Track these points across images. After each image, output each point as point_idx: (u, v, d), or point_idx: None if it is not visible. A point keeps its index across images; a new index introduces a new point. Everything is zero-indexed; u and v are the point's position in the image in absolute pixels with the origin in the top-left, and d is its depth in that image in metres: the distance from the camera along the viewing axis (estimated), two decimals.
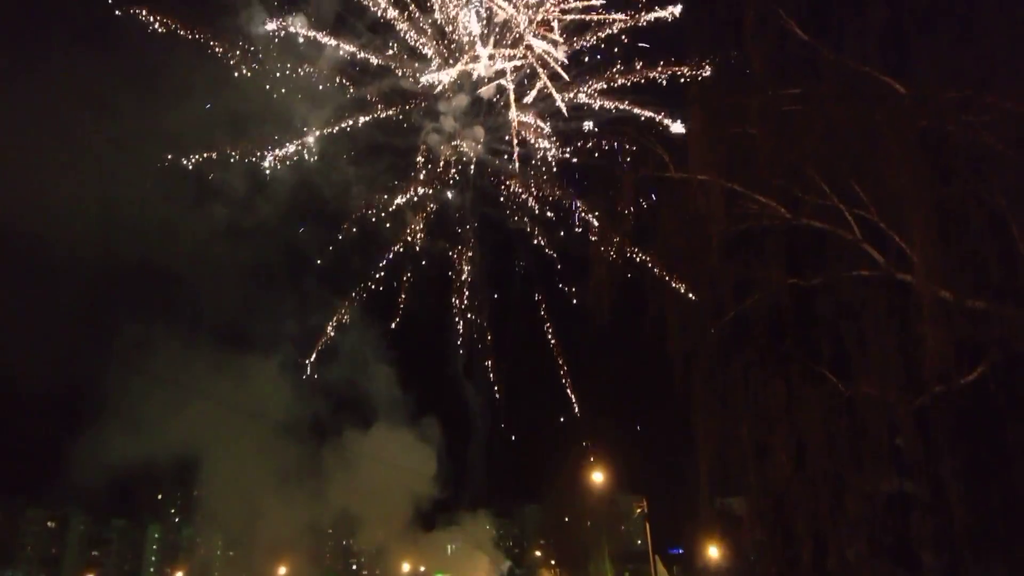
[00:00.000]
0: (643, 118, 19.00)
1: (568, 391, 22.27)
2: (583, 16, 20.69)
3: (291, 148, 22.27)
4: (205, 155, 21.42)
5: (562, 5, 20.83)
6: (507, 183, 22.72)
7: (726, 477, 15.54)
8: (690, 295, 16.20)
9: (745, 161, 15.86)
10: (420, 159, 22.90)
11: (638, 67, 20.43)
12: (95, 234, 20.42)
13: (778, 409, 14.75)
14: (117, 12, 19.93)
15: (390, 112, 22.24)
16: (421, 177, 23.07)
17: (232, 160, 21.92)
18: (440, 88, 22.21)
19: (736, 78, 15.64)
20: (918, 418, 13.32)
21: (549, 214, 22.42)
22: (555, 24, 20.96)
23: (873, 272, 14.48)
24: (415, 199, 23.21)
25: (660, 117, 18.58)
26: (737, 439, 15.17)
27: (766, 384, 15.06)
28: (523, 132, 22.82)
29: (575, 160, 21.41)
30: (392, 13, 21.59)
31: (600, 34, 20.66)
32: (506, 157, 22.99)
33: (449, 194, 23.26)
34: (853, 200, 14.73)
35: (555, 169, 22.51)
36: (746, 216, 15.80)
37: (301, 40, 21.82)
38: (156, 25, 20.62)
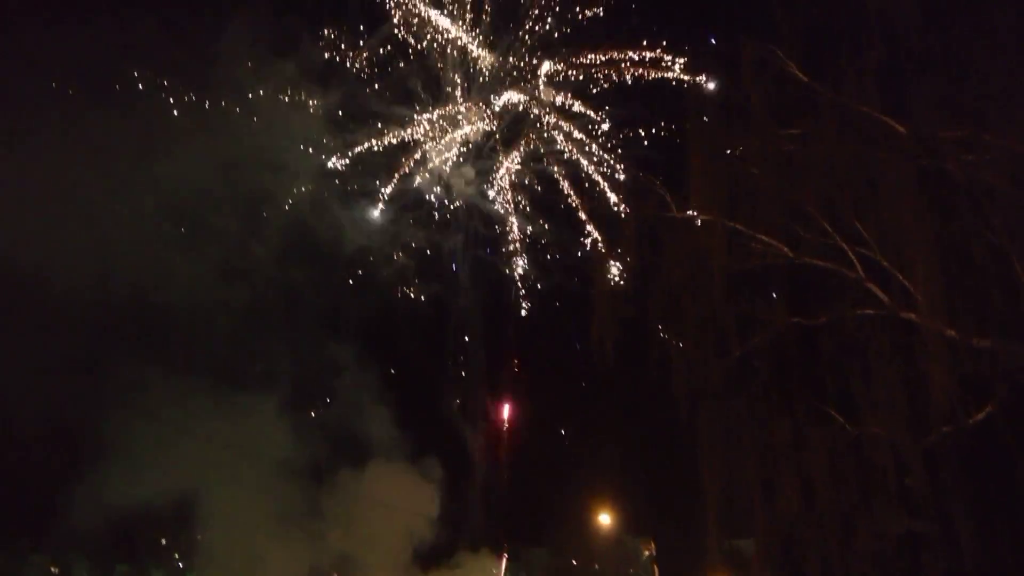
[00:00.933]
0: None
1: (571, 430, 22.21)
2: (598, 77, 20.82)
3: (284, 191, 22.49)
4: (200, 196, 21.59)
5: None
6: (499, 227, 22.85)
7: (734, 518, 15.47)
8: (694, 335, 16.21)
9: (746, 200, 16.04)
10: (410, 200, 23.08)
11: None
12: (92, 276, 20.55)
13: (785, 449, 14.73)
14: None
15: (379, 151, 22.46)
16: (411, 220, 23.22)
17: (226, 202, 22.07)
18: (426, 131, 22.46)
19: (735, 118, 15.77)
20: (927, 458, 13.29)
21: (547, 256, 22.46)
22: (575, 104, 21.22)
23: (877, 311, 14.53)
24: (409, 241, 23.32)
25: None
26: (744, 480, 15.13)
27: (772, 424, 15.05)
28: (515, 176, 23.02)
29: (573, 200, 21.49)
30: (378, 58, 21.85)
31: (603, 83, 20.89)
32: (496, 199, 23.15)
33: (441, 237, 23.38)
34: (855, 239, 14.83)
35: (551, 209, 22.59)
36: (748, 255, 15.91)
37: (290, 86, 22.11)
38: (161, 91, 21.07)
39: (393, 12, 21.71)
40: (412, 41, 21.79)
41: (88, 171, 20.86)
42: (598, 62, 20.47)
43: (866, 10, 14.68)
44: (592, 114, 21.16)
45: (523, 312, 23.28)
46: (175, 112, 21.73)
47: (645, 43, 19.70)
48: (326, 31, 21.95)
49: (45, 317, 21.31)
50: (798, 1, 15.06)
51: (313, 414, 24.86)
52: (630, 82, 20.15)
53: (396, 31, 21.75)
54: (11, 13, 19.24)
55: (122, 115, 21.22)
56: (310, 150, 22.76)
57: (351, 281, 23.73)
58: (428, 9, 21.61)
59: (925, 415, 13.41)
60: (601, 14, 20.65)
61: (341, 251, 23.84)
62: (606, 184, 20.37)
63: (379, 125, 22.66)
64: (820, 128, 15.17)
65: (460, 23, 21.72)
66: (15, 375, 20.13)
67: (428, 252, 23.47)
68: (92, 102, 20.85)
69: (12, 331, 20.27)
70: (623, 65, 20.00)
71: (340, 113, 22.56)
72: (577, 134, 21.61)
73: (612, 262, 17.63)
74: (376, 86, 22.51)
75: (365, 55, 22.07)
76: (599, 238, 18.91)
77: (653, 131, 19.42)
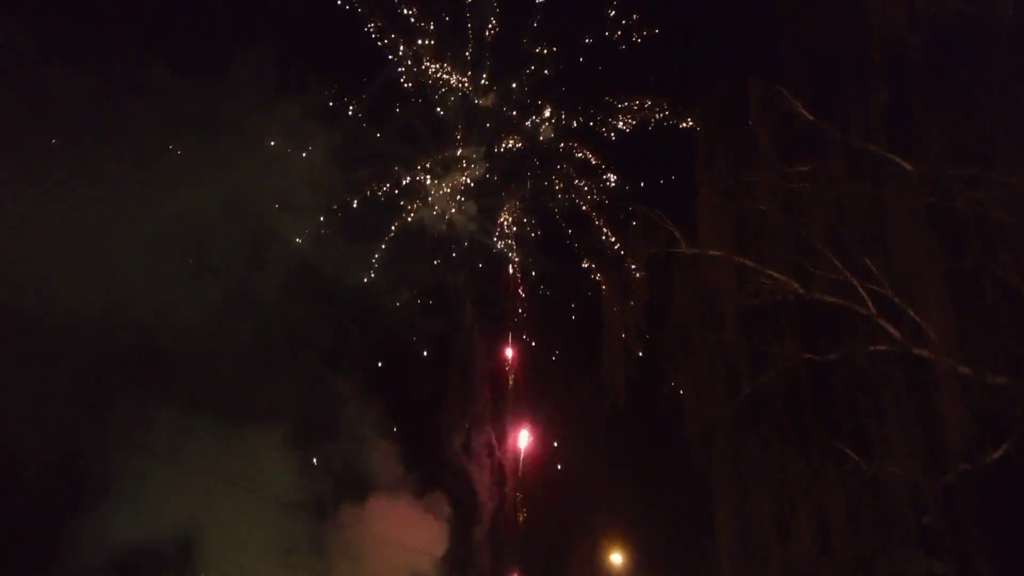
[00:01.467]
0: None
1: (581, 469, 22.17)
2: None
3: (288, 228, 22.62)
4: (204, 233, 21.69)
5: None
6: (503, 263, 22.92)
7: (748, 559, 15.41)
8: (704, 372, 16.25)
9: (755, 237, 16.18)
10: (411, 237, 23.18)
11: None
12: (95, 310, 20.55)
13: (799, 488, 14.74)
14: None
15: (382, 192, 22.64)
16: (414, 257, 23.31)
17: (230, 239, 22.17)
18: (428, 170, 22.65)
19: (743, 156, 15.92)
20: (944, 497, 13.31)
21: (549, 293, 22.51)
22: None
23: (889, 347, 14.62)
24: (412, 277, 23.39)
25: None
26: (758, 519, 15.10)
27: (786, 463, 15.06)
28: (518, 214, 23.14)
29: (579, 238, 21.58)
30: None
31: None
32: (499, 236, 23.25)
33: (445, 273, 23.47)
34: (866, 275, 14.96)
35: (556, 246, 22.66)
36: (758, 291, 16.01)
37: (294, 126, 22.33)
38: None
39: (393, 57, 21.97)
40: (412, 85, 22.04)
41: (92, 207, 20.91)
42: (601, 106, 20.67)
43: (872, 50, 14.89)
44: (597, 155, 21.32)
45: (529, 349, 23.26)
46: (179, 150, 21.87)
47: (651, 81, 19.86)
48: (328, 75, 22.17)
49: (48, 352, 21.25)
50: (803, 42, 15.26)
51: (318, 450, 24.79)
52: (635, 123, 20.28)
53: (398, 74, 22.00)
54: (19, 48, 19.37)
55: (126, 152, 21.32)
56: (313, 188, 22.90)
57: (356, 317, 23.76)
58: (427, 55, 21.84)
59: (941, 453, 13.44)
60: (604, 57, 20.81)
61: (345, 287, 23.89)
62: (612, 222, 20.43)
63: (381, 165, 22.83)
64: (828, 166, 15.34)
65: (460, 68, 21.95)
66: (17, 410, 20.06)
67: (432, 288, 23.50)
68: (96, 139, 20.96)
69: (14, 366, 20.20)
70: (627, 109, 20.20)
71: (343, 153, 22.72)
72: (580, 177, 21.73)
73: (621, 298, 17.59)
74: (378, 128, 22.72)
75: (365, 98, 22.32)
76: (607, 275, 18.88)
77: (660, 168, 19.51)
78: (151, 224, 21.77)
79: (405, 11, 21.74)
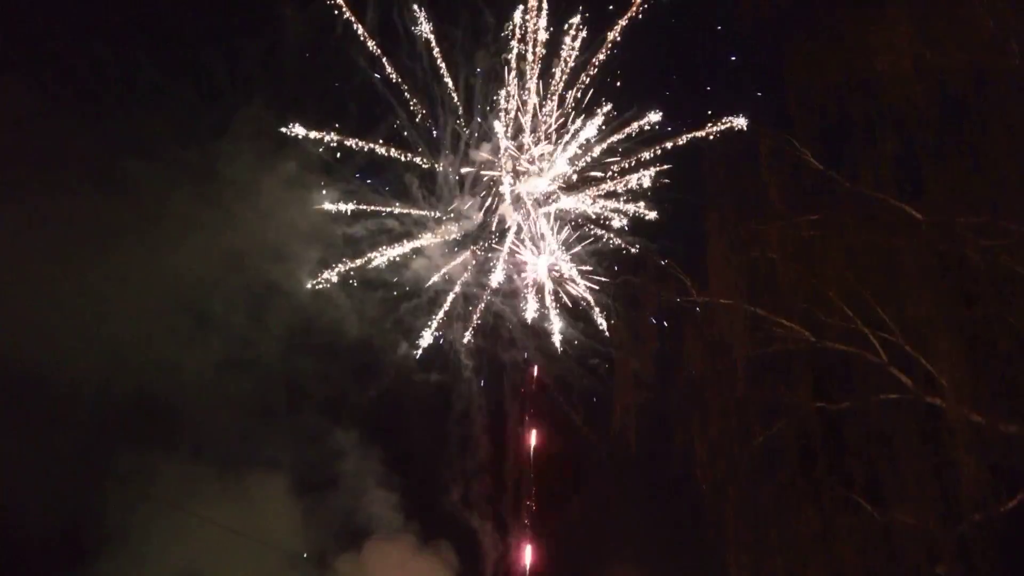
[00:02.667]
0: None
1: (592, 520, 22.07)
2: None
3: (287, 281, 23.01)
4: (202, 287, 22.12)
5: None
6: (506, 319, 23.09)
7: None
8: (716, 421, 16.32)
9: (766, 285, 16.37)
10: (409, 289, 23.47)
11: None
12: (95, 365, 20.86)
13: (813, 539, 14.69)
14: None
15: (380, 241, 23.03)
16: (410, 307, 23.57)
17: (229, 292, 22.60)
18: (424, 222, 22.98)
19: (753, 205, 16.20)
20: (958, 547, 13.26)
21: (559, 346, 22.61)
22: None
23: (902, 396, 14.67)
24: (411, 328, 23.63)
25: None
26: (772, 571, 15.03)
27: (799, 513, 15.02)
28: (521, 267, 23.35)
29: (586, 288, 21.74)
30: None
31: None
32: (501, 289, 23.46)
33: (445, 324, 23.67)
34: (877, 323, 15.07)
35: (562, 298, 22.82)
36: (770, 340, 16.15)
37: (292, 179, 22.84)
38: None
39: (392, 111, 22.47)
40: (409, 136, 22.49)
41: (95, 264, 21.36)
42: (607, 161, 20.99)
43: (880, 99, 15.24)
44: (605, 205, 21.59)
45: (535, 399, 23.28)
46: (178, 205, 22.38)
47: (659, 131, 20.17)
48: (326, 129, 22.69)
49: (51, 407, 21.51)
50: (812, 91, 15.64)
51: (319, 498, 24.86)
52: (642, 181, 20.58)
53: (395, 127, 22.50)
54: (15, 100, 19.94)
55: (124, 206, 21.81)
56: (311, 241, 23.33)
57: (357, 368, 24.00)
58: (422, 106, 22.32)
59: (955, 503, 13.41)
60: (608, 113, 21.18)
61: (345, 339, 24.16)
62: (620, 270, 20.59)
63: (380, 216, 23.19)
64: (837, 215, 15.59)
65: (456, 122, 22.41)
66: (21, 465, 20.26)
67: (432, 339, 23.66)
68: (94, 193, 21.45)
69: (15, 423, 20.47)
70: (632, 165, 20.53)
71: (341, 205, 23.15)
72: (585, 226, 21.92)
73: (631, 348, 17.75)
74: (375, 180, 23.17)
75: (366, 150, 22.75)
76: (616, 323, 19.05)
77: (670, 217, 19.79)
78: (152, 279, 22.20)
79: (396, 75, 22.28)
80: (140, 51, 22.50)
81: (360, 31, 22.19)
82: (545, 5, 21.70)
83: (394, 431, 24.64)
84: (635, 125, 20.60)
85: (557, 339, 22.90)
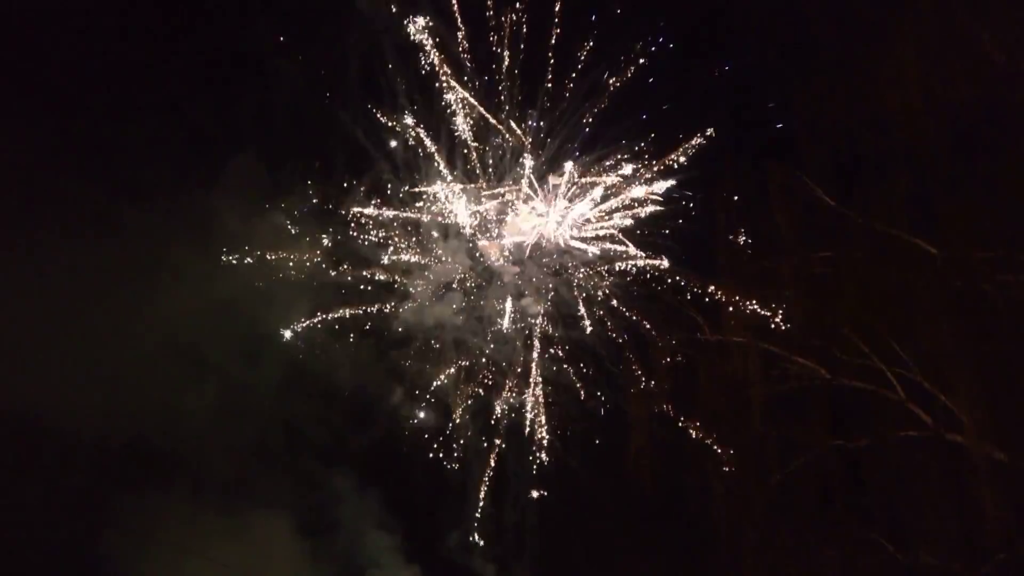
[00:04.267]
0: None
1: (606, 561, 21.83)
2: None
3: (280, 327, 23.20)
4: (197, 334, 22.41)
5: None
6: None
7: None
8: (733, 460, 16.31)
9: (781, 322, 16.44)
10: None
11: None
12: (95, 411, 21.10)
13: None
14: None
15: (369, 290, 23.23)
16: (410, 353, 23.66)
17: (224, 340, 22.85)
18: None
19: (765, 242, 16.30)
20: None
21: (579, 386, 22.52)
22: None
23: (921, 433, 14.64)
24: (405, 373, 23.70)
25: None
26: None
27: (819, 553, 14.93)
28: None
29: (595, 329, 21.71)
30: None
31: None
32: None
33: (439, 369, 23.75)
34: (894, 360, 15.05)
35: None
36: (785, 377, 16.16)
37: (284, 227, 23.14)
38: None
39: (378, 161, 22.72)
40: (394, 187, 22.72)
41: (87, 312, 21.65)
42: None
43: (891, 134, 15.36)
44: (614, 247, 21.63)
45: (544, 447, 23.10)
46: (171, 254, 22.69)
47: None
48: (314, 179, 23.02)
49: (47, 454, 21.68)
50: (823, 127, 15.77)
51: (320, 543, 24.88)
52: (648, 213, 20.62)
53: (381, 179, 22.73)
54: (10, 153, 20.26)
55: (120, 254, 22.11)
56: (304, 288, 23.55)
57: (353, 413, 24.11)
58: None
59: (979, 542, 13.33)
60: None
61: (340, 384, 24.30)
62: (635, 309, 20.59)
63: (369, 265, 23.37)
64: (850, 250, 15.66)
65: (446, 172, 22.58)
66: (17, 512, 20.36)
67: (426, 384, 23.70)
68: (88, 244, 21.75)
69: (16, 470, 20.62)
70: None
71: (333, 255, 23.39)
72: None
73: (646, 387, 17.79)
74: (362, 231, 23.36)
75: (355, 202, 23.02)
76: (631, 361, 19.08)
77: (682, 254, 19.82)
78: (146, 327, 22.47)
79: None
80: (138, 99, 22.96)
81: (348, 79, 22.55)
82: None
83: (394, 474, 24.69)
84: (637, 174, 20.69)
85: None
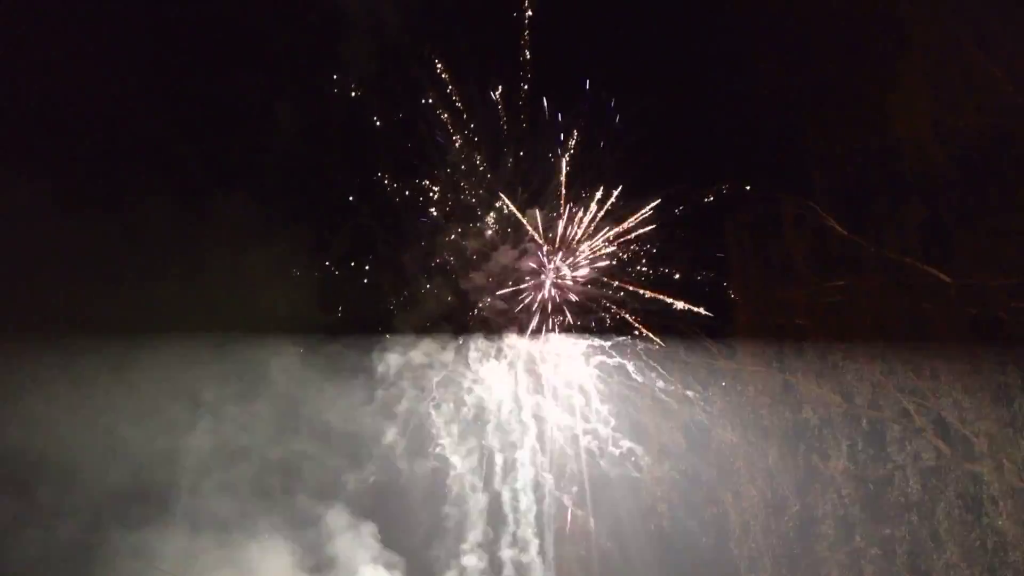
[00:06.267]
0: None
1: None
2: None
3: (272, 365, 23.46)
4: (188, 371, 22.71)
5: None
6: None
7: None
8: (751, 492, 16.47)
9: (795, 351, 16.65)
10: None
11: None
12: (92, 454, 21.32)
13: None
14: None
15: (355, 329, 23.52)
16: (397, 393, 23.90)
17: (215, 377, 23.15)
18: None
19: (779, 272, 16.55)
20: None
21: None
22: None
23: (940, 462, 14.85)
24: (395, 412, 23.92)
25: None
26: None
27: None
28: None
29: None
30: None
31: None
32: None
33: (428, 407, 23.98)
34: (910, 389, 15.28)
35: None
36: (800, 406, 16.38)
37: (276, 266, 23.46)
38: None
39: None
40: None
41: (81, 353, 21.88)
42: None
43: (900, 164, 15.67)
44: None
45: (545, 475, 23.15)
46: (164, 290, 22.96)
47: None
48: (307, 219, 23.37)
49: (46, 495, 21.90)
50: (834, 157, 16.09)
51: None
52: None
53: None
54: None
55: (115, 295, 22.38)
56: (296, 327, 23.77)
57: (345, 453, 24.30)
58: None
59: (1001, 571, 13.50)
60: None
61: (333, 425, 24.52)
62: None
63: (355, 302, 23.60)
64: (864, 279, 15.92)
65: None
66: (15, 552, 20.55)
67: (418, 424, 23.88)
68: (83, 283, 21.99)
69: (14, 511, 20.84)
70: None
71: (321, 295, 23.64)
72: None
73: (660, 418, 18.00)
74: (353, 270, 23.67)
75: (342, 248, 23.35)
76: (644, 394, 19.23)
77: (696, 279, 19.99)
78: (144, 366, 22.70)
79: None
80: (127, 140, 23.35)
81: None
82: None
83: (391, 511, 24.82)
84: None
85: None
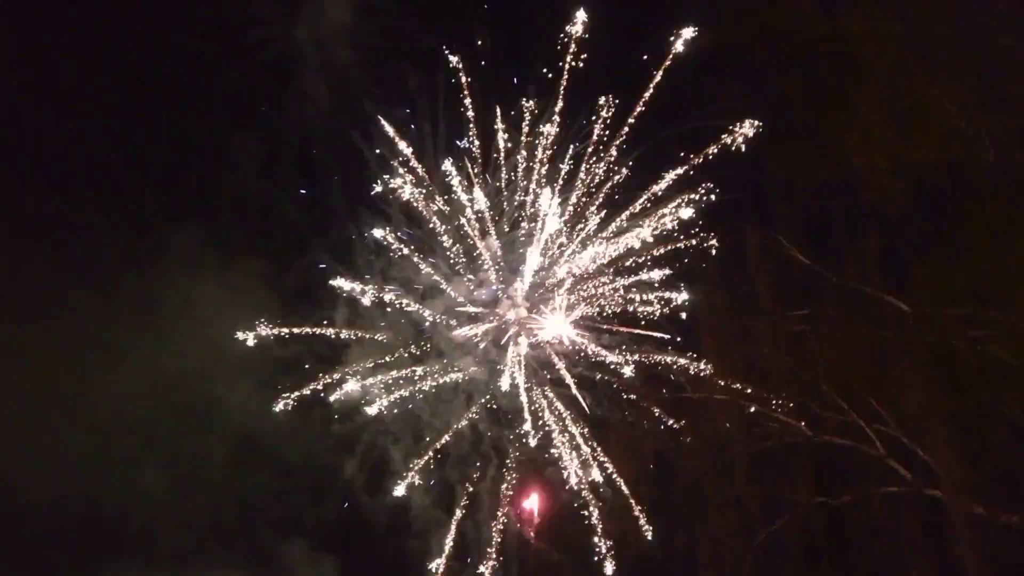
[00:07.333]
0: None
1: None
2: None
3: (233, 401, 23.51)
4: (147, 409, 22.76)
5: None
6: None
7: None
8: (718, 518, 16.73)
9: (760, 380, 17.04)
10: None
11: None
12: (43, 488, 21.20)
13: None
14: None
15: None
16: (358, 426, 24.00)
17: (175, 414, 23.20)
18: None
19: (744, 302, 16.93)
20: None
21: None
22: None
23: (902, 488, 15.28)
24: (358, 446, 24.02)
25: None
26: None
27: None
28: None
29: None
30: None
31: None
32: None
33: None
34: (872, 416, 15.72)
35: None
36: (767, 435, 16.75)
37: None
38: None
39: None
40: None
41: (34, 386, 21.85)
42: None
43: (859, 196, 16.19)
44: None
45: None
46: (119, 329, 22.96)
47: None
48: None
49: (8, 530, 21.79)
50: (795, 191, 16.58)
51: None
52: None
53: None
54: None
55: (70, 333, 22.38)
56: (251, 359, 23.79)
57: (306, 487, 24.32)
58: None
59: None
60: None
61: (294, 458, 24.52)
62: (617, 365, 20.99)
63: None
64: (826, 308, 16.36)
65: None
66: None
67: (377, 457, 23.94)
68: (37, 321, 21.99)
69: None
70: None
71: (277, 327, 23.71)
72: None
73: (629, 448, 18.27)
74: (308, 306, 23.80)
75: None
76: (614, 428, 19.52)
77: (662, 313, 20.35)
78: (99, 403, 22.67)
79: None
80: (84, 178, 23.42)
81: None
82: None
83: (351, 545, 24.83)
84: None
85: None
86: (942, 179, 15.58)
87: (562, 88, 20.85)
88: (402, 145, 21.94)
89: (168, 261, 23.69)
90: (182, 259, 23.60)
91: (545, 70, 20.97)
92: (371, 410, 23.11)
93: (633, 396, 18.90)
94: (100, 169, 23.66)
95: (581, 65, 20.59)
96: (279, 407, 23.09)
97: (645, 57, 20.00)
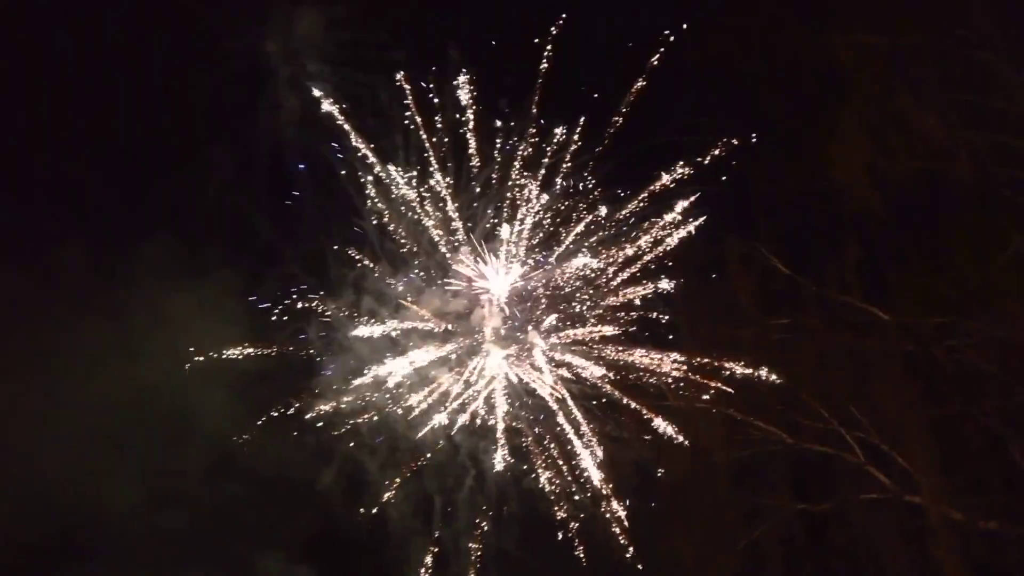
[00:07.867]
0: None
1: None
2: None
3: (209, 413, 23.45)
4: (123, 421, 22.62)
5: None
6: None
7: None
8: (699, 526, 16.93)
9: (741, 389, 17.30)
10: None
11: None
12: (14, 503, 20.98)
13: None
14: None
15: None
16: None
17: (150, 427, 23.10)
18: None
19: (724, 311, 17.17)
20: None
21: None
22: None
23: (881, 495, 15.55)
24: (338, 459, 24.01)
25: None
26: None
27: None
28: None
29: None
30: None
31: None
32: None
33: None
34: (852, 423, 15.98)
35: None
36: (748, 443, 16.98)
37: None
38: None
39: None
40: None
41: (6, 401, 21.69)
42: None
43: (839, 207, 16.47)
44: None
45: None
46: (94, 341, 22.84)
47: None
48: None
49: None
50: (776, 201, 16.86)
51: None
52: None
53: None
54: None
55: (39, 344, 22.23)
56: (224, 372, 23.75)
57: (282, 500, 24.24)
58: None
59: None
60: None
61: (272, 470, 24.44)
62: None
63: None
64: (806, 318, 16.64)
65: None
66: None
67: (353, 468, 23.90)
68: (7, 332, 21.83)
69: None
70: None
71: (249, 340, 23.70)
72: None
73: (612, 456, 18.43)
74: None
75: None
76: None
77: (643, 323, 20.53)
78: (68, 416, 22.51)
79: None
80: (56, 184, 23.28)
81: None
82: None
83: (328, 558, 24.74)
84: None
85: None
86: (921, 192, 15.83)
87: (535, 101, 20.98)
88: (374, 159, 21.92)
89: (138, 273, 23.57)
90: (152, 271, 23.49)
91: (519, 82, 21.05)
92: (347, 422, 23.03)
93: (613, 405, 18.97)
94: (67, 180, 23.50)
95: (555, 77, 20.67)
96: (253, 419, 22.95)
97: (623, 70, 20.14)
